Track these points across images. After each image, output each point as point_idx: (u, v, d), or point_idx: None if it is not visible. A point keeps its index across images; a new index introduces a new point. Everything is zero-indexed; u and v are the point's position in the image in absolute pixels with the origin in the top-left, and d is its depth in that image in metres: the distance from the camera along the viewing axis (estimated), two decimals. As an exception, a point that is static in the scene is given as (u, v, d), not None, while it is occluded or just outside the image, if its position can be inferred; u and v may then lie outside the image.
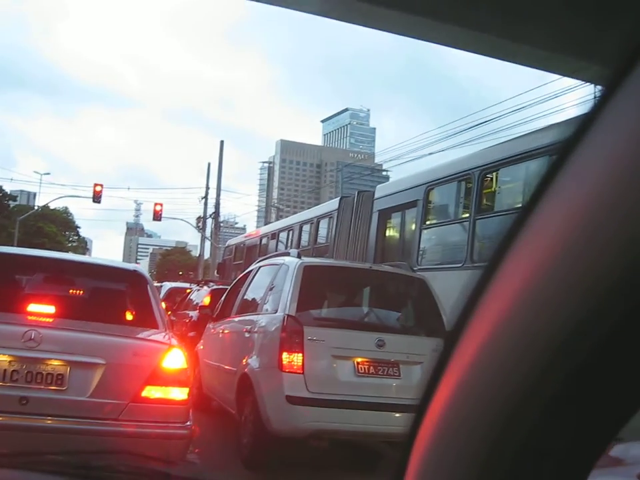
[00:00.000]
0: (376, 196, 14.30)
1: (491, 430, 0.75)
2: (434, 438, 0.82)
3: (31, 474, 1.78)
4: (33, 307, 5.57)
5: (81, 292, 6.94)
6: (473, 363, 0.77)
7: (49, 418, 4.85)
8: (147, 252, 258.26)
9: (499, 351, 0.74)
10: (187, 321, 14.86)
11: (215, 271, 34.90)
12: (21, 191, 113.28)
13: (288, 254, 8.88)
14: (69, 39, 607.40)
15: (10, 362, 4.84)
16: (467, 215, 10.74)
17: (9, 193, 77.97)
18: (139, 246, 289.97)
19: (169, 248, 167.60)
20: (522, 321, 0.71)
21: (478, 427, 0.76)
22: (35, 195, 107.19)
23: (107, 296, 6.60)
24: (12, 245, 51.38)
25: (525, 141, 9.99)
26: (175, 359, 5.23)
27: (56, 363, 4.93)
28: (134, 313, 6.32)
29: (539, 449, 0.73)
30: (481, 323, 0.78)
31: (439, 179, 11.84)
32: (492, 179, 10.52)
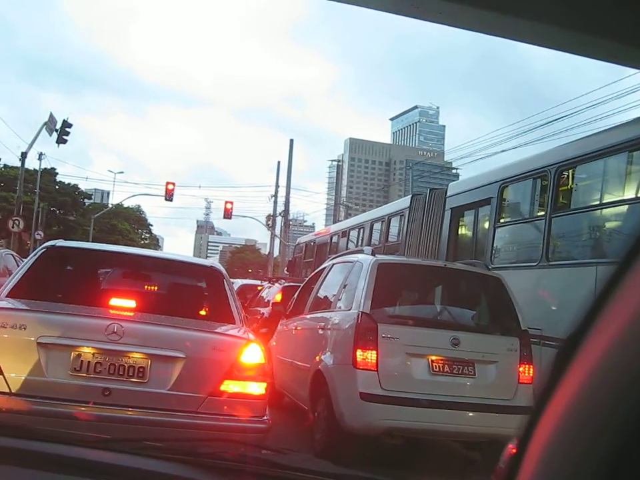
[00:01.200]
0: (448, 194, 14.16)
1: (615, 438, 0.73)
2: (552, 442, 0.81)
3: (137, 458, 1.82)
4: (115, 301, 5.70)
5: (160, 287, 7.08)
6: (598, 367, 0.76)
7: (130, 409, 4.96)
8: (217, 249, 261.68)
9: (625, 356, 0.73)
10: (259, 317, 14.98)
11: (285, 269, 35.14)
12: (95, 189, 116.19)
13: (362, 251, 8.87)
14: (141, 41, 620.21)
15: (94, 354, 4.97)
16: (543, 212, 10.53)
17: (84, 191, 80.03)
18: (209, 244, 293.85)
19: (238, 246, 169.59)
20: None
21: (602, 433, 0.75)
22: (108, 193, 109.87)
23: (185, 291, 6.71)
24: (87, 242, 52.80)
25: (602, 138, 9.75)
26: (253, 354, 5.28)
27: (137, 356, 5.04)
28: (211, 308, 6.41)
29: None
30: (608, 326, 0.76)
31: (514, 177, 11.64)
32: (568, 176, 10.30)
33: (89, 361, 4.95)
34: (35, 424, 4.73)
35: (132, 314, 5.60)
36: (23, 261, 8.77)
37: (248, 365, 5.22)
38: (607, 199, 9.41)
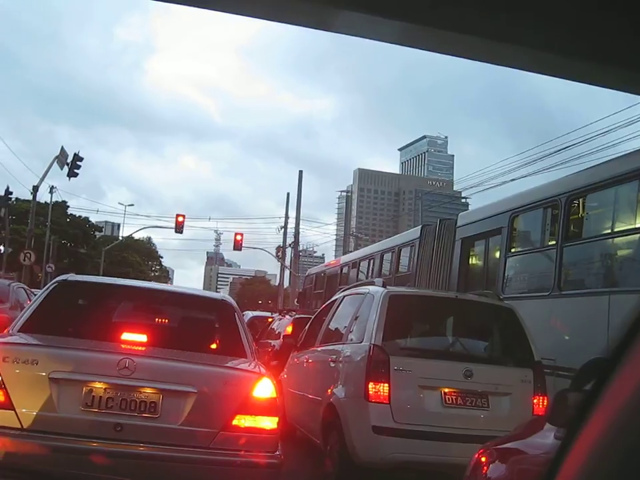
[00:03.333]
0: (458, 224, 14.17)
1: None
2: (582, 470, 0.82)
3: None
4: (126, 336, 5.70)
5: (171, 321, 7.07)
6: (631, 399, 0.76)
7: (142, 445, 4.92)
8: (227, 281, 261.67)
9: None
10: (270, 349, 14.93)
11: (295, 300, 35.12)
12: (106, 222, 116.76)
13: (373, 283, 8.86)
14: (152, 74, 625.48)
15: (105, 389, 4.95)
16: (554, 242, 10.52)
17: (94, 224, 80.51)
18: (219, 275, 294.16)
19: (248, 277, 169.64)
20: None
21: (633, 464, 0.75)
22: (119, 225, 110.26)
23: (197, 325, 6.71)
24: (98, 274, 53.02)
25: (612, 166, 9.75)
26: (264, 388, 5.25)
27: (149, 391, 5.02)
28: (222, 341, 6.39)
29: None
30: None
31: (524, 206, 11.65)
32: (579, 204, 10.30)
33: (100, 396, 4.93)
34: (48, 461, 4.73)
35: (143, 348, 5.59)
36: (34, 294, 8.79)
37: (260, 399, 5.19)
38: (619, 227, 9.39)
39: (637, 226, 8.93)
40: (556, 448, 0.92)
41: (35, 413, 4.79)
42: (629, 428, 0.78)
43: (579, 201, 10.26)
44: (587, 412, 0.85)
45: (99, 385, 4.96)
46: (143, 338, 5.76)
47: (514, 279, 11.93)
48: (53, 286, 6.33)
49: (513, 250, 11.90)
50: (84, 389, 4.92)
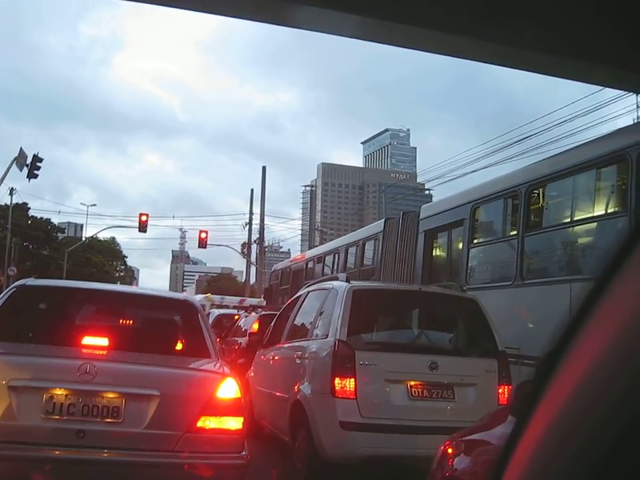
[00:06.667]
0: (421, 216, 14.22)
1: (598, 450, 0.76)
2: (537, 453, 0.85)
3: None
4: (87, 340, 5.62)
5: (133, 323, 7.00)
6: (581, 380, 0.79)
7: (106, 450, 4.86)
8: (193, 279, 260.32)
9: (607, 370, 0.77)
10: (236, 347, 14.88)
11: (262, 296, 35.01)
12: (69, 222, 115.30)
13: (336, 278, 8.85)
14: (113, 71, 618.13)
15: (66, 395, 4.88)
16: (515, 232, 10.60)
17: (57, 225, 79.53)
18: (185, 273, 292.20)
19: (214, 274, 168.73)
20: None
21: (587, 445, 0.78)
22: (82, 226, 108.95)
23: (159, 326, 6.65)
24: (61, 276, 52.41)
25: (570, 156, 9.85)
26: (228, 389, 5.22)
27: (111, 395, 4.96)
28: (186, 342, 6.34)
29: None
30: (588, 341, 0.80)
31: (485, 197, 11.72)
32: (539, 194, 10.39)
33: (61, 403, 4.86)
34: (10, 471, 4.65)
35: (105, 352, 5.51)
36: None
37: (224, 399, 5.16)
38: (578, 216, 9.49)
39: (596, 214, 9.04)
40: (506, 439, 0.94)
41: None
42: (572, 417, 0.80)
43: (538, 191, 10.35)
44: (535, 402, 0.87)
45: (59, 392, 4.88)
46: (104, 342, 5.68)
47: (477, 270, 12.01)
48: (11, 291, 6.22)
49: (475, 241, 11.96)
50: (44, 395, 4.84)
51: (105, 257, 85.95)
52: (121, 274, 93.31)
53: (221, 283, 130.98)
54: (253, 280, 59.66)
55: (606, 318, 0.79)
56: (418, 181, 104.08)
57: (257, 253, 53.78)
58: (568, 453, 0.79)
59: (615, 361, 0.75)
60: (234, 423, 5.19)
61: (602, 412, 0.76)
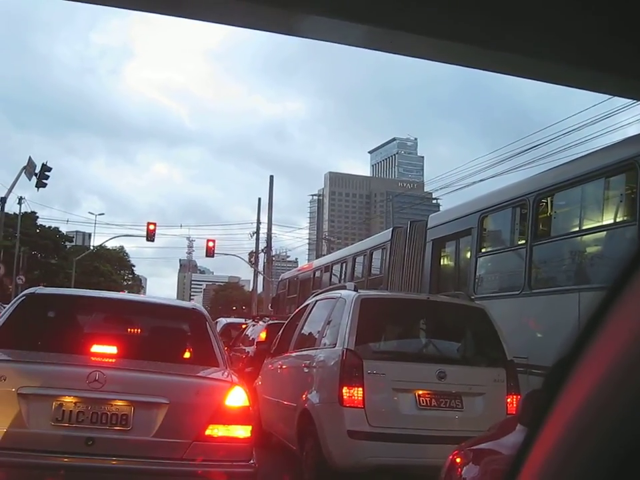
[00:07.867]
0: (429, 225, 14.21)
1: (609, 459, 0.77)
2: (548, 462, 0.85)
3: None
4: (96, 348, 5.63)
5: (142, 331, 7.01)
6: (592, 389, 0.79)
7: (114, 458, 4.87)
8: (201, 288, 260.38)
9: (619, 379, 0.77)
10: (244, 356, 14.86)
11: (269, 305, 35.04)
12: (77, 231, 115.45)
13: (344, 287, 8.85)
14: (123, 82, 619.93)
15: (76, 403, 4.89)
16: (523, 241, 10.59)
17: (65, 234, 79.73)
18: (193, 282, 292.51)
19: (221, 283, 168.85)
20: None
21: (597, 453, 0.79)
22: (90, 235, 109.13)
23: (168, 335, 6.66)
24: (69, 285, 52.56)
25: (578, 165, 9.85)
26: (237, 397, 5.22)
27: (120, 403, 4.97)
28: (194, 351, 6.35)
29: None
30: (600, 351, 0.81)
31: (493, 206, 11.72)
32: (547, 203, 10.38)
33: (71, 411, 4.87)
34: (19, 478, 4.67)
35: (114, 360, 5.52)
36: (3, 307, 8.67)
37: (232, 408, 5.16)
38: (587, 225, 9.48)
39: (605, 223, 9.02)
40: (517, 449, 0.95)
41: (4, 430, 4.71)
42: (583, 426, 0.80)
43: (547, 200, 10.34)
44: (546, 411, 0.87)
45: (68, 399, 4.89)
46: (113, 350, 5.69)
47: (485, 279, 11.99)
48: (20, 299, 6.24)
49: (483, 250, 11.95)
50: (54, 403, 4.85)
51: (113, 266, 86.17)
52: (129, 283, 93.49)
53: (228, 292, 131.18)
54: (260, 289, 59.65)
55: (617, 328, 0.79)
56: (425, 190, 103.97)
57: (264, 262, 53.79)
58: (580, 462, 0.79)
59: (625, 370, 0.75)
60: (242, 432, 5.18)
61: (613, 421, 0.76)
